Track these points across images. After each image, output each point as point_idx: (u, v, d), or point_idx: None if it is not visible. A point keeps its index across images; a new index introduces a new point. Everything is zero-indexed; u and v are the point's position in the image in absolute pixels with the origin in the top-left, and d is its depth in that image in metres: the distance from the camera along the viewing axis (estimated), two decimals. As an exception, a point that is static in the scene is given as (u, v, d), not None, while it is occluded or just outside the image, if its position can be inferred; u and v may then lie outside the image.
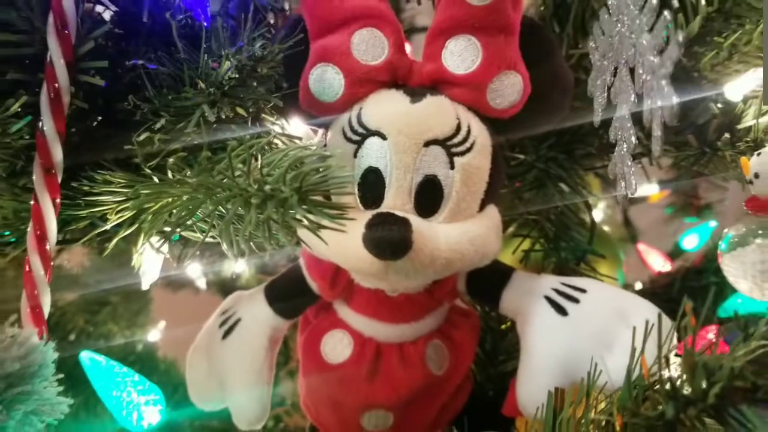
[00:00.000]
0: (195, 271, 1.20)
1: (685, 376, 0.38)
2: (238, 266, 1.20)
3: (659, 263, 1.23)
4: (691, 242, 1.29)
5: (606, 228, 1.48)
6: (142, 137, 0.53)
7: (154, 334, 1.24)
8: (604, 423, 0.42)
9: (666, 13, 0.38)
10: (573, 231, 0.81)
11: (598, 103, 0.50)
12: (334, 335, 0.69)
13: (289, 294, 0.71)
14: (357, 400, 0.67)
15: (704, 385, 0.36)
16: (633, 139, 0.44)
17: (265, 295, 0.71)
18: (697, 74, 0.72)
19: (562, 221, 0.81)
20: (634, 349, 0.42)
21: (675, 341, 0.48)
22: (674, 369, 0.40)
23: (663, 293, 0.97)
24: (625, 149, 0.45)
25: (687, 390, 0.38)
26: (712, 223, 1.28)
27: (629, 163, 0.44)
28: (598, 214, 1.51)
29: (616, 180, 0.50)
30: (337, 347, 0.69)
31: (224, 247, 0.50)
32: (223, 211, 0.49)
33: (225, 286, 1.25)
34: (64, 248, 0.85)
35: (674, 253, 1.29)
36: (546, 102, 0.64)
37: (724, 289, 0.81)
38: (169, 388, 0.91)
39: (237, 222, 0.49)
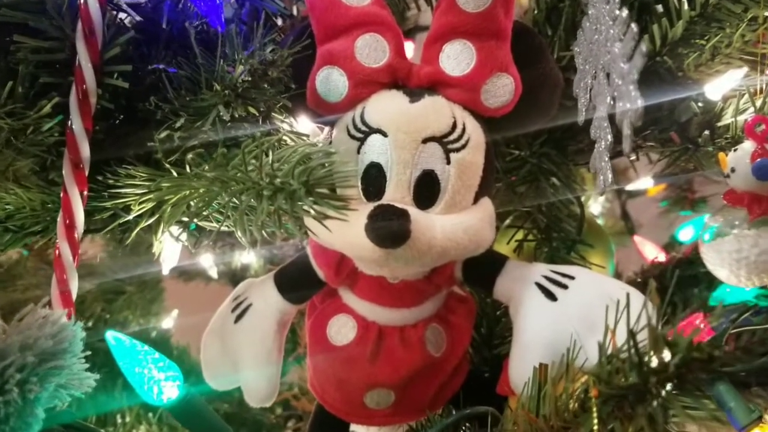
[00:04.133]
0: (205, 261, 1.23)
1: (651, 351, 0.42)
2: (247, 257, 1.23)
3: (654, 254, 1.25)
4: (687, 234, 1.29)
5: (604, 220, 1.50)
6: (162, 135, 0.57)
7: (167, 322, 1.28)
8: (582, 394, 0.46)
9: (633, 25, 0.42)
10: (564, 222, 0.82)
11: (581, 104, 0.54)
12: (339, 319, 0.71)
13: (296, 281, 0.73)
14: (360, 379, 0.70)
15: (667, 357, 0.40)
16: (609, 137, 0.48)
17: (275, 282, 0.73)
18: (681, 74, 0.74)
19: (553, 213, 0.83)
20: (607, 327, 0.46)
21: (654, 321, 0.51)
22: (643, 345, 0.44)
23: (656, 283, 1.00)
24: (603, 146, 0.48)
25: (654, 363, 0.42)
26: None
27: (606, 159, 0.48)
28: (597, 207, 1.52)
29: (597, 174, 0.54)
30: (342, 330, 0.71)
31: (238, 235, 0.54)
32: (237, 202, 0.53)
33: (234, 277, 1.28)
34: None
35: (671, 245, 1.30)
36: (536, 102, 0.67)
37: (714, 279, 0.84)
38: (182, 373, 0.95)
39: (250, 212, 0.53)
